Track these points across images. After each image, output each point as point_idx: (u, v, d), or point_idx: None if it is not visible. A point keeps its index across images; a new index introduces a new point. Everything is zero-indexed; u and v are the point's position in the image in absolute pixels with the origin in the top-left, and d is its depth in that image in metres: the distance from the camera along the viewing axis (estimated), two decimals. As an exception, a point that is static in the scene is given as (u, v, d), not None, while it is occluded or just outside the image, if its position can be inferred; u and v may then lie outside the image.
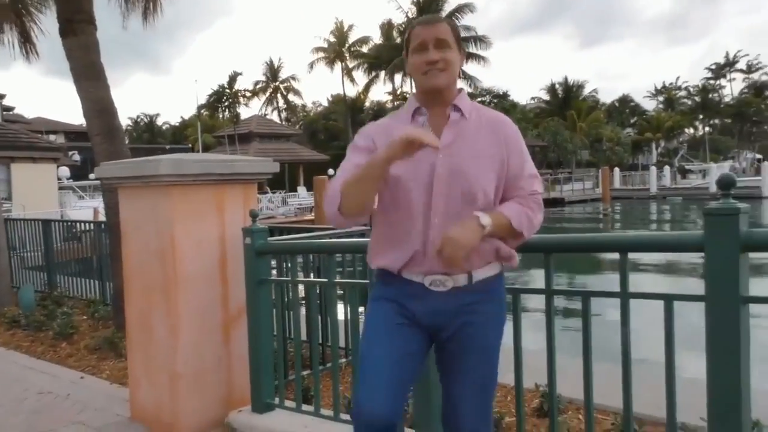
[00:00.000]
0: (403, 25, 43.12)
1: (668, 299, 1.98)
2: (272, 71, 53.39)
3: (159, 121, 65.98)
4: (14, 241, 8.47)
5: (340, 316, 3.53)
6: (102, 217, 14.43)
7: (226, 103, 43.40)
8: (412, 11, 42.93)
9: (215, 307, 3.39)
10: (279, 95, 54.55)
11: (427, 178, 1.75)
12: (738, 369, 1.78)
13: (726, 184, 1.83)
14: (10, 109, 29.96)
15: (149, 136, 59.38)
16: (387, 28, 45.05)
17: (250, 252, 3.32)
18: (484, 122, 1.83)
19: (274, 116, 52.80)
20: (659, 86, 71.79)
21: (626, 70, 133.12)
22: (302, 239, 3.47)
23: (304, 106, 59.70)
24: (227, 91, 42.76)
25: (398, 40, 43.62)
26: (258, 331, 3.33)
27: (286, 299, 3.51)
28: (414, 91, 1.92)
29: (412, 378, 1.86)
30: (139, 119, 63.53)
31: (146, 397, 3.50)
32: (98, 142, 5.63)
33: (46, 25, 7.68)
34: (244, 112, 46.58)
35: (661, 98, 70.82)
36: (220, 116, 47.53)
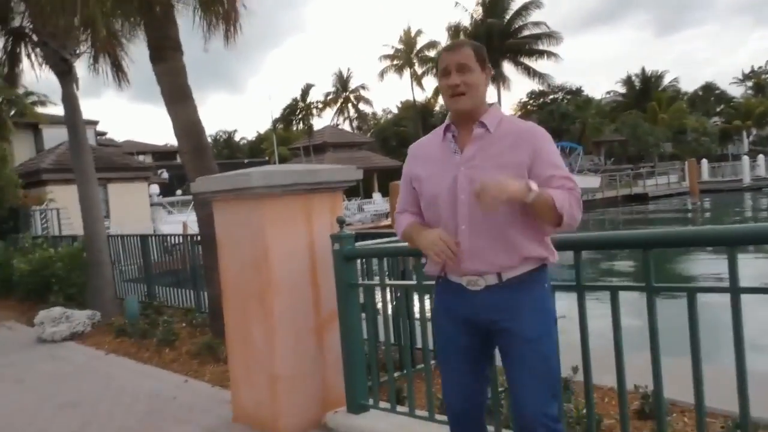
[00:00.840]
0: (470, 27, 42.82)
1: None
2: (342, 82, 54.27)
3: (236, 137, 68.59)
4: (114, 256, 9.05)
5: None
6: (190, 231, 15.18)
7: (300, 116, 44.50)
8: (478, 12, 42.61)
9: (308, 311, 3.52)
10: (350, 105, 55.39)
11: (451, 189, 1.95)
12: None
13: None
14: (103, 134, 31.99)
15: (228, 152, 61.73)
16: (454, 31, 44.86)
17: (339, 257, 3.43)
18: (511, 133, 1.95)
19: (346, 126, 53.65)
20: (747, 71, 67.62)
21: (709, 56, 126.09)
22: (388, 243, 3.54)
23: (374, 114, 60.36)
24: (300, 103, 43.88)
25: (466, 42, 43.31)
26: (349, 334, 3.43)
27: (375, 302, 3.59)
28: None
29: (485, 376, 2.16)
30: (218, 136, 66.23)
31: (247, 398, 3.67)
32: (188, 160, 5.95)
33: (134, 54, 8.18)
34: (317, 123, 47.62)
35: (749, 83, 66.63)
36: (294, 129, 48.76)
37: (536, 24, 41.70)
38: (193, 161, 5.91)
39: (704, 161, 40.52)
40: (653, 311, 2.19)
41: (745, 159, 38.47)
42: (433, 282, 2.17)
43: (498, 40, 40.56)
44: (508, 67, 41.97)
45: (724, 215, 25.96)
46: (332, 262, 3.47)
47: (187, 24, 6.34)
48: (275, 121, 45.57)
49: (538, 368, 1.93)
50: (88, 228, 8.04)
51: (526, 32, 42.09)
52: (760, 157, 39.75)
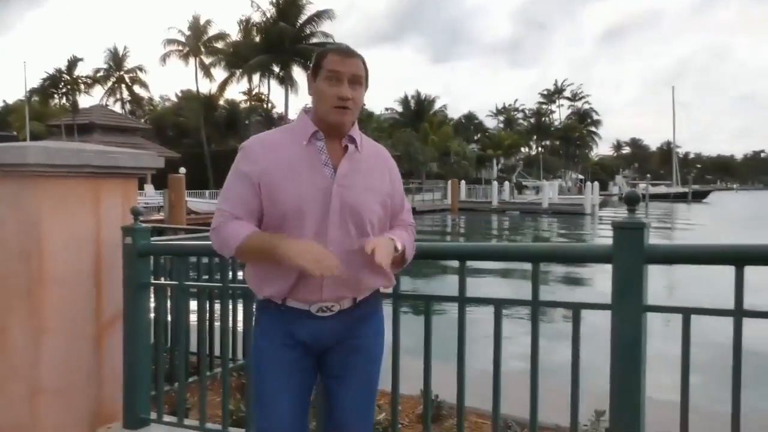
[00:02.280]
0: (263, 24, 42.30)
1: (576, 308, 2.12)
2: (116, 60, 49.71)
3: (-25, 104, 58.59)
4: None
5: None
6: None
7: (64, 90, 39.61)
8: (271, 12, 42.30)
9: (87, 312, 3.05)
10: (123, 86, 50.92)
11: (321, 207, 1.75)
12: (640, 373, 1.95)
13: (632, 199, 1.99)
14: None
15: (-41, 120, 52.44)
16: (245, 26, 43.90)
17: (130, 253, 3.04)
18: (373, 155, 1.89)
19: (117, 108, 49.17)
20: (500, 106, 77.73)
21: (471, 89, 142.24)
22: (190, 240, 3.25)
23: (151, 99, 56.34)
24: (65, 76, 39.04)
25: (257, 39, 42.70)
26: (135, 339, 3.07)
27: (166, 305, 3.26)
28: (308, 108, 1.88)
29: (309, 401, 1.94)
30: (-55, 100, 55.89)
31: (-3, 416, 3.05)
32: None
33: None
34: (84, 101, 42.80)
35: (501, 118, 76.67)
36: (55, 104, 43.25)
37: (326, 35, 42.69)
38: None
39: (463, 182, 45.28)
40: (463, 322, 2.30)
41: (495, 184, 44.01)
42: (242, 284, 1.98)
43: (289, 42, 40.66)
44: (297, 71, 42.27)
45: (477, 232, 29.24)
46: (121, 257, 3.07)
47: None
48: (31, 92, 39.90)
49: (373, 385, 1.92)
50: None
51: (315, 40, 42.86)
52: (506, 184, 45.77)
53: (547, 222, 34.18)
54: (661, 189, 66.01)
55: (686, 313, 1.93)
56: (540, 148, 72.67)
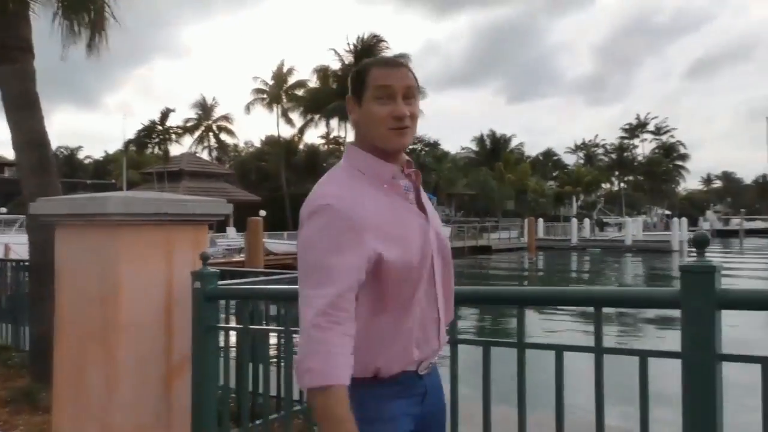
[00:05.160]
0: (340, 72, 43.72)
1: (643, 355, 1.98)
2: (205, 109, 52.65)
3: (80, 155, 63.50)
4: None
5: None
6: (14, 255, 13.50)
7: (157, 139, 42.29)
8: (349, 59, 43.68)
9: (158, 356, 3.16)
10: (211, 134, 53.73)
11: (424, 254, 1.49)
12: (715, 426, 1.79)
13: (700, 242, 1.87)
14: None
15: (68, 170, 56.77)
16: (323, 74, 45.52)
17: (198, 297, 3.14)
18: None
19: (205, 155, 51.84)
20: (579, 143, 75.95)
21: (550, 126, 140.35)
22: (257, 284, 3.33)
23: (236, 145, 59.04)
24: (158, 126, 41.74)
25: (334, 86, 44.12)
26: (203, 382, 3.13)
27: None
28: (356, 140, 1.55)
29: None
30: (58, 152, 60.83)
31: (75, 455, 3.18)
32: (28, 176, 5.27)
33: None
34: (175, 150, 45.48)
35: (581, 154, 74.81)
36: (149, 152, 46.16)
37: (401, 78, 43.37)
38: (34, 178, 5.23)
39: (540, 220, 44.31)
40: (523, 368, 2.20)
41: (574, 221, 42.77)
42: None
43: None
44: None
45: (556, 271, 28.33)
46: (191, 301, 3.17)
47: (42, 26, 5.72)
48: (128, 142, 42.84)
49: None
50: None
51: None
52: (586, 221, 44.39)
53: (630, 260, 32.70)
54: (758, 224, 61.94)
55: (765, 363, 1.77)
56: (622, 184, 70.16)
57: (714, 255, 23.48)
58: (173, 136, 43.68)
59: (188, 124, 50.19)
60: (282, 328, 3.06)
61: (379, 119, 1.46)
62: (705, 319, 1.81)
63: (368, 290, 1.41)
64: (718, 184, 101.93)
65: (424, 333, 1.50)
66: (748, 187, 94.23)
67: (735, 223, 46.79)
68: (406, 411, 1.50)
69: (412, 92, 1.49)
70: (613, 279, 25.16)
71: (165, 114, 42.18)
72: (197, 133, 52.42)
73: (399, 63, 1.52)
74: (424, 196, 1.58)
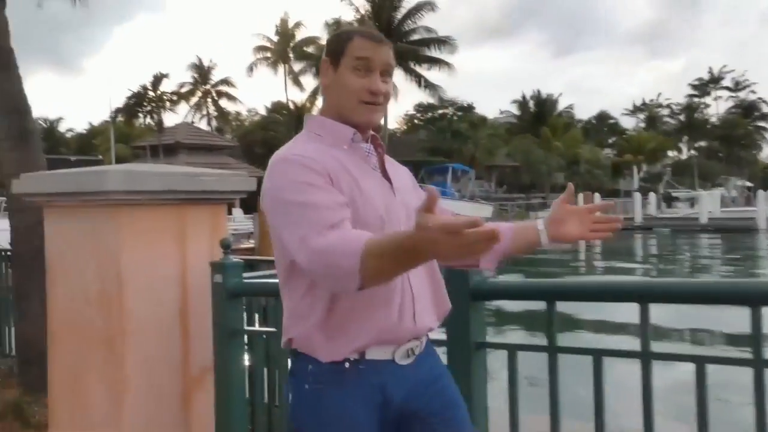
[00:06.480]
0: (355, 24, 43.31)
1: (700, 361, 1.99)
2: (202, 73, 52.74)
3: (62, 127, 64.21)
4: None
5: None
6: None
7: (149, 108, 42.43)
8: (365, 8, 43.21)
9: (174, 366, 3.04)
10: (209, 100, 53.87)
11: (389, 219, 1.62)
12: None
13: None
14: None
15: (49, 145, 57.53)
16: (337, 28, 45.14)
17: (220, 293, 2.98)
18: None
19: (203, 125, 52.06)
20: (639, 103, 74.42)
21: (604, 84, 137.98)
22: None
23: (238, 114, 59.18)
24: (150, 93, 41.86)
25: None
26: (228, 397, 3.00)
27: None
28: (322, 107, 1.76)
29: None
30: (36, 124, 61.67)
31: (75, 484, 3.07)
32: (6, 148, 5.15)
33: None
34: (169, 119, 45.65)
35: (641, 116, 73.40)
36: (140, 123, 46.43)
37: (428, 30, 42.96)
38: (13, 151, 5.12)
39: (597, 195, 43.66)
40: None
41: (637, 196, 41.99)
42: None
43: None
44: (397, 74, 42.81)
45: (621, 257, 27.91)
46: (209, 298, 3.01)
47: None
48: (115, 111, 43.10)
49: None
50: None
51: (416, 36, 43.19)
52: (651, 195, 43.58)
53: (707, 242, 32.08)
54: None
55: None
56: (692, 151, 68.83)
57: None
58: (167, 104, 43.80)
59: (183, 90, 50.39)
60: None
61: (353, 90, 1.64)
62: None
63: None
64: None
65: (391, 311, 1.57)
66: None
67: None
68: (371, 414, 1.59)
69: (389, 71, 1.68)
70: (712, 268, 24.16)
71: (158, 79, 42.26)
72: (194, 100, 52.69)
73: (383, 39, 1.68)
74: (392, 166, 1.75)
